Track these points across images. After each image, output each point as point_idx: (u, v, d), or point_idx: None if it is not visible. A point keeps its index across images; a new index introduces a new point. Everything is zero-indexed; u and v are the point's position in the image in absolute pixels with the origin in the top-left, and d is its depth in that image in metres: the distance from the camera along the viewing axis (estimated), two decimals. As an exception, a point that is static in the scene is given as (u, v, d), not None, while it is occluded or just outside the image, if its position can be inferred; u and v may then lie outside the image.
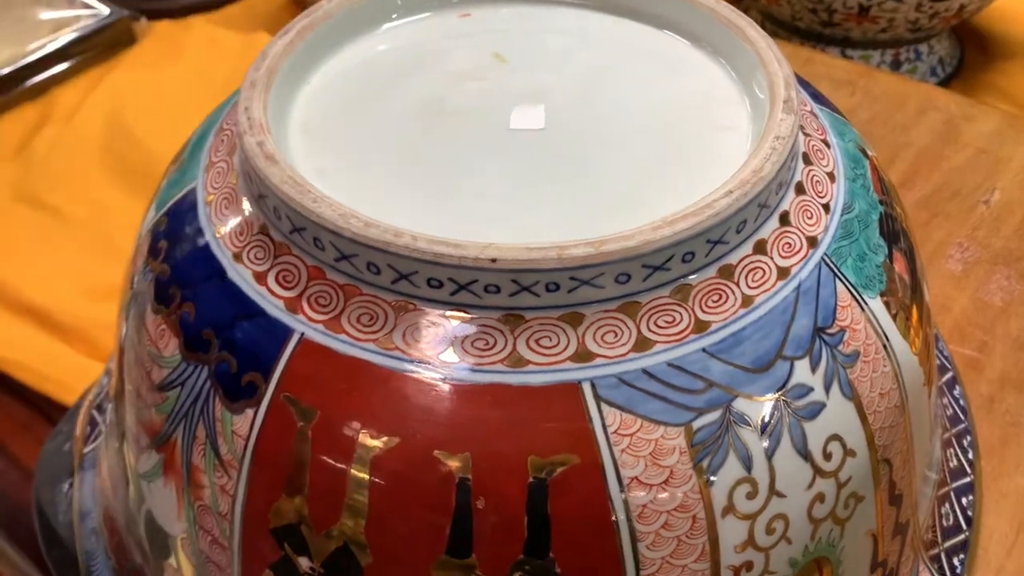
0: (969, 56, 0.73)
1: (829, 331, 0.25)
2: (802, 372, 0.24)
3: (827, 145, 0.29)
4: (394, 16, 0.33)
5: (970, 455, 0.35)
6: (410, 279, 0.23)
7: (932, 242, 0.45)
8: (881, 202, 0.29)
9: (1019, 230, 0.45)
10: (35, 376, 0.51)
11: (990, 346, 0.40)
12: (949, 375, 0.37)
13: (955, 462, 0.34)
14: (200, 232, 0.27)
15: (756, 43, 0.29)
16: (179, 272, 0.27)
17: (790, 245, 0.26)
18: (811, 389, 0.24)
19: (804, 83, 0.34)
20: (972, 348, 0.40)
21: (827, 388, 0.25)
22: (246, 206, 0.27)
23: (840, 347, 0.25)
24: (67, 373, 0.51)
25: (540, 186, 0.27)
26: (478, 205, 0.26)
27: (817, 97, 0.33)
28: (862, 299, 0.26)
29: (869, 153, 0.31)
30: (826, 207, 0.27)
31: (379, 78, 0.31)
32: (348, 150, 0.28)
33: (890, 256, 0.28)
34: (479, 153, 0.28)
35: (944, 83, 0.71)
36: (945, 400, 0.36)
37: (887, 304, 0.27)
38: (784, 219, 0.26)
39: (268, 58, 0.29)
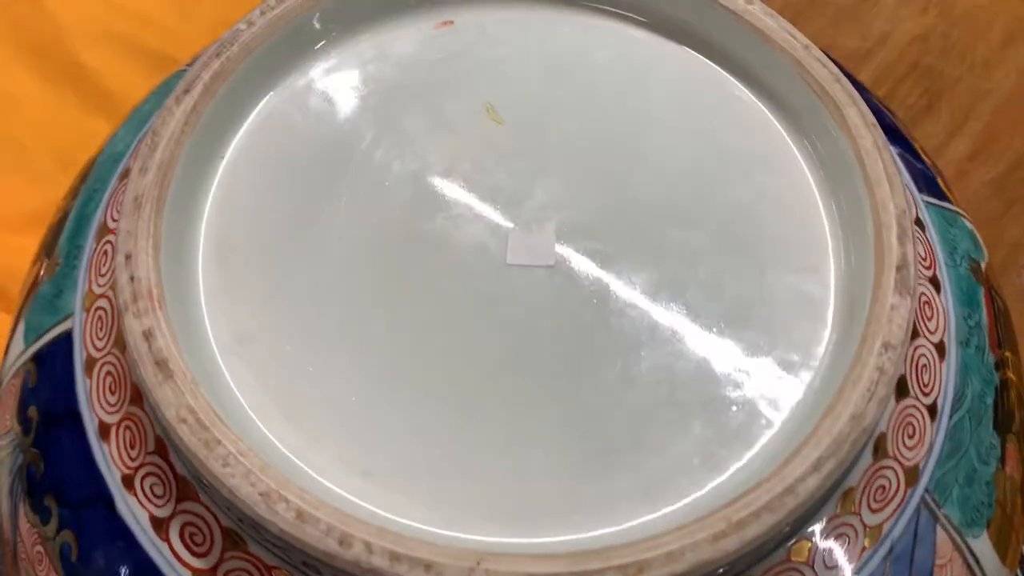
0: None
1: (921, 606, 0.19)
2: (883, 672, 0.19)
3: (937, 288, 0.22)
4: (333, 33, 0.23)
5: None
6: (365, 589, 0.17)
7: (1003, 246, 0.37)
8: (998, 364, 0.22)
9: (1109, 228, 0.38)
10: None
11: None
12: None
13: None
14: (78, 416, 0.20)
15: (860, 140, 0.21)
16: (54, 475, 0.20)
17: (884, 489, 0.19)
18: None
19: (892, 130, 0.25)
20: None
21: None
22: (135, 399, 0.19)
23: (932, 623, 0.19)
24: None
25: (538, 392, 0.19)
26: (450, 427, 0.19)
27: (911, 158, 0.25)
28: (965, 545, 0.20)
29: (983, 263, 0.24)
30: (932, 410, 0.20)
31: (322, 151, 0.22)
32: (276, 298, 0.20)
33: (1002, 456, 0.21)
34: (457, 317, 0.20)
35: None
36: None
37: (993, 537, 0.21)
38: (879, 448, 0.19)
39: (161, 145, 0.20)
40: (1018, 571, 0.22)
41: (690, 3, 0.23)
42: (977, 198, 0.38)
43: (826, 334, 0.20)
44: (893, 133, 0.25)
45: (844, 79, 0.22)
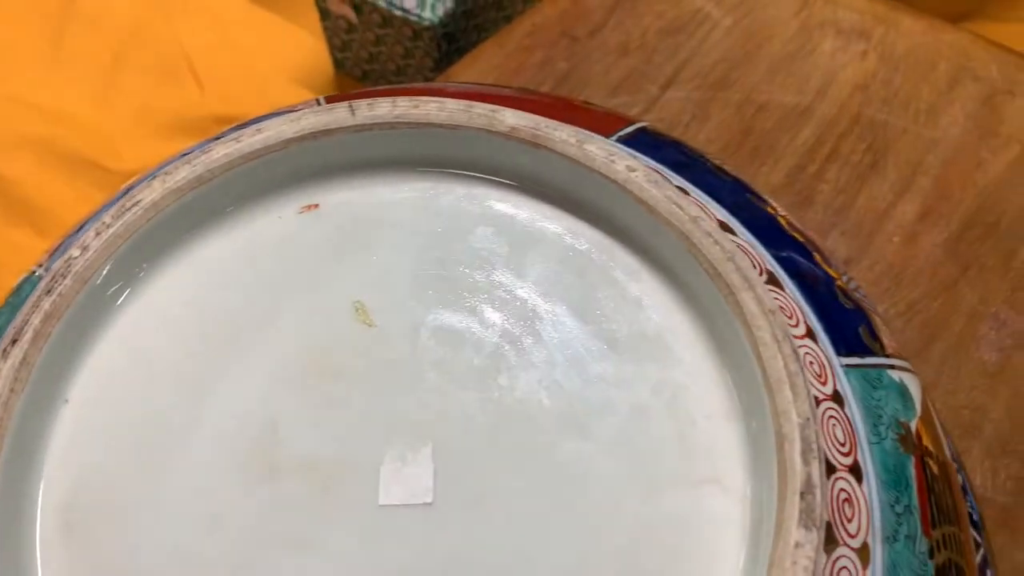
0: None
1: None
2: None
3: (858, 477, 0.20)
4: (184, 235, 0.21)
5: None
6: None
7: (960, 315, 0.35)
8: (932, 551, 0.20)
9: (1071, 285, 0.36)
10: None
11: (1029, 487, 0.32)
12: (980, 556, 0.30)
13: None
14: None
15: (757, 331, 0.19)
16: None
17: None
18: None
19: (809, 276, 0.23)
20: (1006, 491, 0.32)
21: None
22: None
23: None
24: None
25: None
26: None
27: (831, 304, 0.23)
28: None
29: (914, 421, 0.22)
30: (857, 632, 0.18)
31: (174, 380, 0.20)
32: (130, 571, 0.18)
33: (943, 657, 0.19)
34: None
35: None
36: (974, 612, 0.29)
37: None
38: None
39: (-16, 413, 0.18)
40: None
41: (573, 172, 0.21)
42: (930, 263, 0.36)
43: (738, 519, 0.18)
44: (813, 278, 0.23)
45: (740, 255, 0.20)
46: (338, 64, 0.57)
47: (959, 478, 0.32)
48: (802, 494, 0.17)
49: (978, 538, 0.31)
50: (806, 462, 0.17)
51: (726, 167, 0.26)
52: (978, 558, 0.30)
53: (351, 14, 0.53)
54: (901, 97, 0.40)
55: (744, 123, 0.39)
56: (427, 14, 0.52)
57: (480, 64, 0.42)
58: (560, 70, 0.41)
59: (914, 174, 0.38)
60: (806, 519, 0.17)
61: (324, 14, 0.57)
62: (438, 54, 0.55)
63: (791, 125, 0.39)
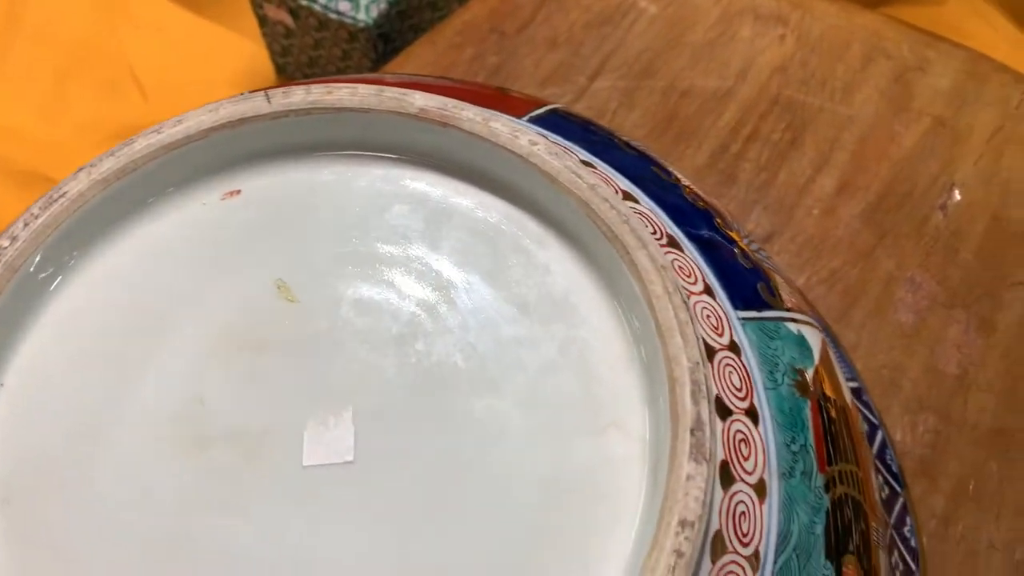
0: None
1: None
2: None
3: (754, 420, 0.21)
4: (110, 227, 0.22)
5: (920, 618, 0.30)
6: None
7: (878, 281, 0.37)
8: (827, 485, 0.22)
9: (982, 248, 0.37)
10: None
11: (944, 439, 0.34)
12: (900, 504, 0.32)
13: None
14: None
15: (651, 285, 0.20)
16: None
17: (706, 660, 0.19)
18: None
19: (708, 242, 0.24)
20: (924, 444, 0.34)
21: None
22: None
23: None
24: None
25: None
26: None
27: (730, 264, 0.24)
28: None
29: (811, 369, 0.23)
30: (754, 559, 0.20)
31: (104, 366, 0.21)
32: (65, 549, 0.19)
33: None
34: (261, 536, 0.19)
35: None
36: (894, 557, 0.30)
37: (835, 672, 0.20)
38: (696, 618, 0.19)
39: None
40: None
41: (480, 148, 0.22)
42: (849, 233, 0.38)
43: (641, 459, 0.19)
44: (713, 241, 0.24)
45: (635, 218, 0.21)
46: (280, 69, 0.58)
47: (880, 433, 0.33)
48: (692, 431, 0.18)
49: (898, 488, 0.32)
50: (695, 402, 0.19)
51: (633, 143, 0.27)
52: (897, 506, 0.32)
53: (288, 19, 0.54)
54: (818, 77, 0.42)
55: (669, 109, 0.41)
56: (361, 16, 0.53)
57: (413, 62, 0.44)
58: (491, 64, 0.42)
59: (831, 150, 0.40)
60: (696, 453, 0.18)
61: (262, 21, 0.58)
62: (375, 55, 0.56)
63: (713, 108, 0.41)
